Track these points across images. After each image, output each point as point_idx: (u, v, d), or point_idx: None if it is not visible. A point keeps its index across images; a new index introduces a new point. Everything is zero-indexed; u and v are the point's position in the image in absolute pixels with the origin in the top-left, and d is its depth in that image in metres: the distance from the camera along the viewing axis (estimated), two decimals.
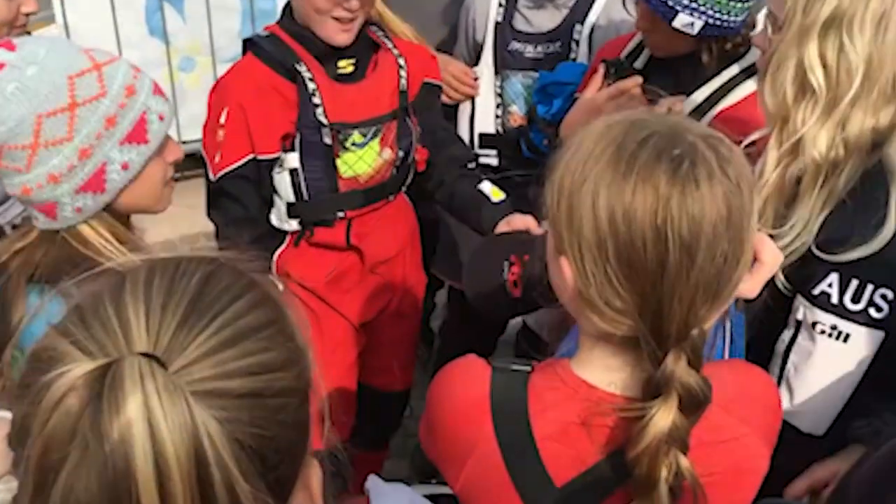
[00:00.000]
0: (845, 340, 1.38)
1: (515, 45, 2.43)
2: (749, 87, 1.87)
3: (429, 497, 1.85)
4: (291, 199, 2.02)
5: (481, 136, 2.52)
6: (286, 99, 1.96)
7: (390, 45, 2.09)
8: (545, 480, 1.10)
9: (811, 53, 1.36)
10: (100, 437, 0.65)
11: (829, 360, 1.41)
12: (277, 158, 1.99)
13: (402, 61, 2.08)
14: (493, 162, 2.53)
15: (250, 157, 1.97)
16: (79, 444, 0.66)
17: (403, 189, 2.20)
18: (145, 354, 0.69)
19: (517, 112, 2.48)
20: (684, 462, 1.01)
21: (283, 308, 0.82)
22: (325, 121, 1.96)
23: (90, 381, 0.67)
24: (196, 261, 0.80)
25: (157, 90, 1.44)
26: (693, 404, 1.01)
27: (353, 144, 2.01)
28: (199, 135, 2.06)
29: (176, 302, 0.74)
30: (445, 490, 1.77)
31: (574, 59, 2.41)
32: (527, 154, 2.46)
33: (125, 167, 1.38)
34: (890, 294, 1.35)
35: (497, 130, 2.51)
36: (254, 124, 1.95)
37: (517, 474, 1.12)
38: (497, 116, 2.50)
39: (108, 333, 0.71)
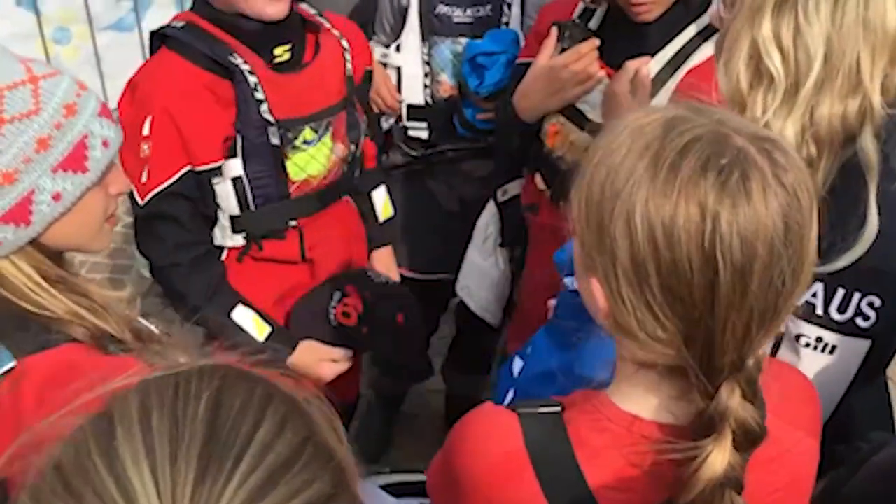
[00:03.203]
0: (831, 352, 1.31)
1: (443, 9, 2.26)
2: None
3: (400, 485, 1.81)
4: (235, 211, 1.80)
5: (409, 107, 2.35)
6: (220, 98, 1.72)
7: (329, 25, 1.89)
8: None
9: (765, 35, 1.24)
10: None
11: (814, 373, 1.32)
12: (220, 167, 1.75)
13: (345, 44, 1.89)
14: (423, 135, 2.38)
15: (186, 169, 1.73)
16: None
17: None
18: None
19: (447, 81, 2.32)
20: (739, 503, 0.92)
21: (308, 412, 0.67)
22: (271, 118, 1.74)
23: None
24: (196, 377, 0.64)
25: (105, 112, 1.24)
26: (748, 441, 0.91)
27: (305, 143, 1.81)
28: None
29: (186, 449, 0.58)
30: (414, 477, 1.72)
31: (506, 24, 2.27)
32: (461, 132, 2.32)
33: (57, 198, 1.18)
34: (877, 301, 1.27)
35: (426, 101, 2.35)
36: (188, 130, 1.70)
37: None
38: (426, 86, 2.33)
39: None
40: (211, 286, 1.81)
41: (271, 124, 1.75)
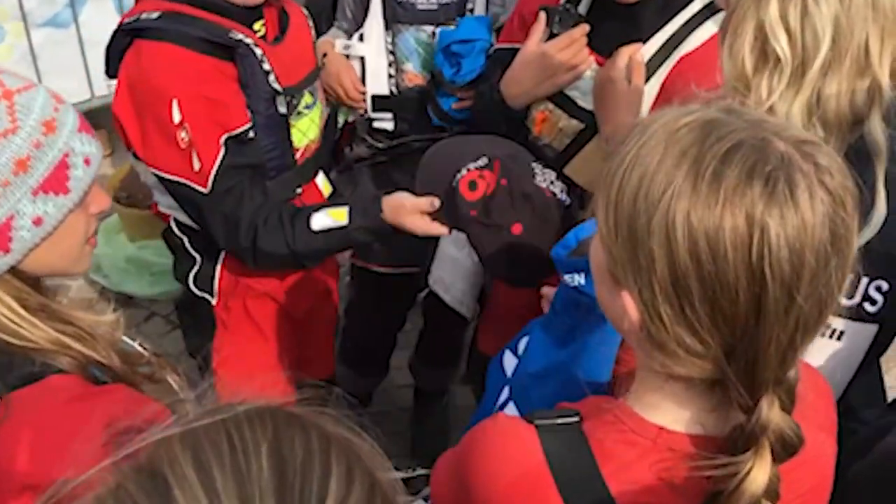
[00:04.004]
0: (839, 338, 1.30)
1: None
2: (711, 26, 1.71)
3: None
4: None
5: (374, 98, 2.28)
6: (228, 77, 1.72)
7: None
8: None
9: (772, 16, 1.23)
10: None
11: (821, 359, 1.32)
12: (250, 128, 1.76)
13: (306, 11, 1.94)
14: (389, 126, 2.32)
15: (225, 136, 1.72)
16: None
17: None
18: None
19: (412, 70, 2.25)
20: None
21: (360, 452, 0.62)
22: (278, 87, 1.76)
23: None
24: (247, 424, 0.58)
25: (84, 126, 1.17)
26: (786, 452, 0.89)
27: (306, 107, 1.86)
28: None
29: None
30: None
31: (471, 10, 2.21)
32: (436, 122, 2.26)
33: (38, 222, 1.11)
34: (885, 285, 1.28)
35: (391, 91, 2.28)
36: (217, 99, 1.70)
37: None
38: (390, 76, 2.27)
39: None
40: (283, 223, 1.77)
41: (279, 93, 1.77)
